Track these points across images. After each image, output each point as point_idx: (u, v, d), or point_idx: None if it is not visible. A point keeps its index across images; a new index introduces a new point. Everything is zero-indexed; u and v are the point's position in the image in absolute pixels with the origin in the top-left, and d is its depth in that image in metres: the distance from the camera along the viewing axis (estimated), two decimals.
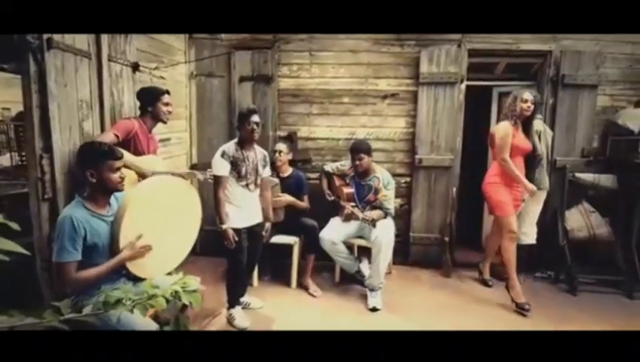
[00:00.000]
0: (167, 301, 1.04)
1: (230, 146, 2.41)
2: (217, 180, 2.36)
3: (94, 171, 1.65)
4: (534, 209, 3.12)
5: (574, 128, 3.29)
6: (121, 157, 1.71)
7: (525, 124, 2.83)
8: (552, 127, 3.36)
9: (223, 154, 2.37)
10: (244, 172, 2.39)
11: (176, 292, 0.94)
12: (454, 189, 3.46)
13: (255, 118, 2.38)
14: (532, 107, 2.75)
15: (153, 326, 1.58)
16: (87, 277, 1.60)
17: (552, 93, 3.34)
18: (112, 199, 1.76)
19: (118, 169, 1.69)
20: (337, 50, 3.38)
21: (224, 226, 2.34)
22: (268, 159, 2.60)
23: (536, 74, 3.51)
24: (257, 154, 2.49)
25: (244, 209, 2.44)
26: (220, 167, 2.36)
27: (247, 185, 2.42)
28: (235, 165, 2.37)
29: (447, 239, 3.43)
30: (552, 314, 2.69)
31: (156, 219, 1.82)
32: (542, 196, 3.09)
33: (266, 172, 2.59)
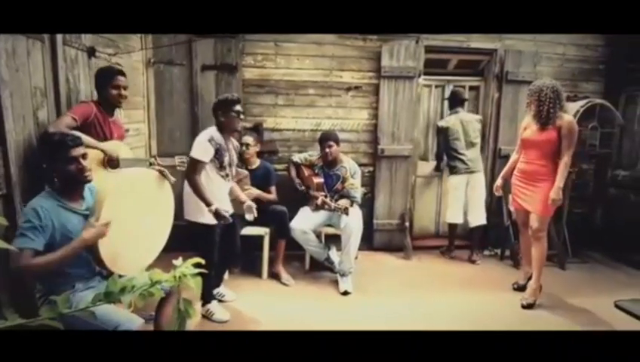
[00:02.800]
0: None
1: (216, 132, 2.30)
2: (197, 165, 2.21)
3: (54, 163, 1.54)
4: (476, 192, 3.45)
5: (516, 120, 3.65)
6: (78, 145, 1.57)
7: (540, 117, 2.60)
8: (497, 119, 3.71)
9: (211, 140, 2.23)
10: (226, 162, 2.34)
11: (184, 275, 0.93)
12: (413, 177, 3.69)
13: (239, 107, 2.33)
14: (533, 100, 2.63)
15: (138, 320, 1.53)
16: (41, 262, 1.42)
17: (497, 88, 3.68)
18: (87, 193, 1.66)
19: (75, 159, 1.54)
20: (302, 42, 3.40)
21: (213, 207, 2.18)
22: (238, 148, 2.56)
23: (484, 70, 3.84)
24: (234, 144, 2.47)
25: (217, 200, 2.39)
26: (204, 151, 2.22)
27: (226, 176, 2.38)
28: (220, 154, 2.29)
29: (407, 224, 3.66)
30: (500, 285, 3.03)
31: (133, 214, 1.75)
32: (479, 179, 3.44)
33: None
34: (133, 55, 3.03)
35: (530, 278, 2.82)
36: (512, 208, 3.12)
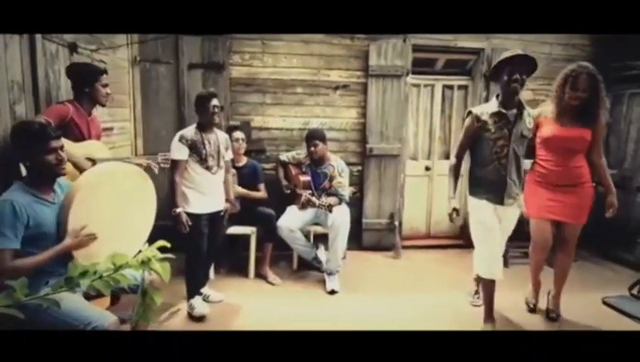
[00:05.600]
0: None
1: (189, 130, 2.41)
2: (174, 164, 2.35)
3: (27, 154, 1.51)
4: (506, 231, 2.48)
5: None
6: (56, 137, 1.55)
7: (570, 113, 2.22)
8: None
9: (181, 139, 2.36)
10: (205, 154, 2.38)
11: (148, 259, 0.89)
12: (402, 176, 3.68)
13: (215, 101, 2.39)
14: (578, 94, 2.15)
15: (110, 317, 1.48)
16: (24, 265, 1.42)
17: (485, 87, 3.69)
18: (57, 186, 1.62)
19: (54, 150, 1.53)
20: (290, 40, 3.40)
21: (177, 210, 2.32)
22: (229, 142, 2.63)
23: (471, 69, 3.85)
24: (219, 136, 2.49)
25: (206, 194, 2.42)
26: (178, 151, 2.35)
27: (208, 168, 2.40)
28: (195, 148, 2.37)
29: (396, 223, 3.65)
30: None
31: (109, 208, 1.71)
32: (513, 214, 2.43)
33: (228, 155, 2.60)
34: (117, 52, 3.00)
35: (549, 293, 2.65)
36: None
